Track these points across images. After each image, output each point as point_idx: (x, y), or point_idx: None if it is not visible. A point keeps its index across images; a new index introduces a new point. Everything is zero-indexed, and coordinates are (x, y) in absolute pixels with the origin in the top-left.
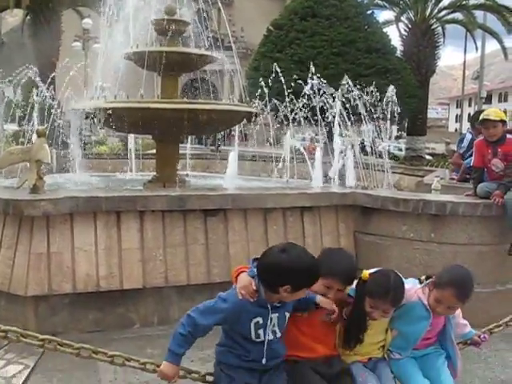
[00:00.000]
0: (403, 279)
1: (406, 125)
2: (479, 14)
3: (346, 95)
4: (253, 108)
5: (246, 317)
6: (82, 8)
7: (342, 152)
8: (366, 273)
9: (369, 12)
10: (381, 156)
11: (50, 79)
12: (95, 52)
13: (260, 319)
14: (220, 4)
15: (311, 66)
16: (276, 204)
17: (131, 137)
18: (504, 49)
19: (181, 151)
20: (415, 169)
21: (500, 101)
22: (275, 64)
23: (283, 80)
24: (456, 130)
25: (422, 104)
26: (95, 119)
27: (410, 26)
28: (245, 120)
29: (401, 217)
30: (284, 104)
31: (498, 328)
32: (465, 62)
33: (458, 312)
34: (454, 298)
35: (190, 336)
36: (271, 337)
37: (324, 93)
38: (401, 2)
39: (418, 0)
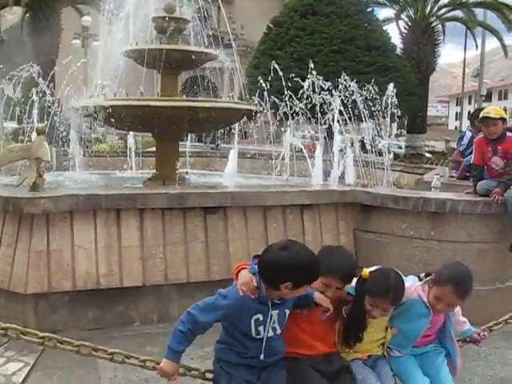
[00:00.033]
0: (403, 277)
1: (406, 123)
2: (479, 12)
3: (344, 92)
4: (252, 106)
5: (247, 313)
6: (81, 5)
7: (341, 150)
8: (366, 271)
9: (369, 10)
10: (380, 154)
11: (49, 77)
12: (95, 50)
13: (260, 316)
14: (220, 2)
15: (311, 64)
16: (276, 202)
17: (131, 135)
18: (504, 46)
19: (181, 149)
20: (415, 167)
21: (500, 99)
22: (273, 62)
23: (283, 78)
24: (456, 127)
25: (422, 102)
26: (95, 116)
27: (409, 23)
28: (245, 118)
29: (400, 214)
30: (284, 102)
31: (497, 326)
32: (465, 59)
33: (458, 309)
34: (454, 295)
35: (190, 333)
36: (271, 333)
37: (322, 89)
38: (401, 0)
39: None
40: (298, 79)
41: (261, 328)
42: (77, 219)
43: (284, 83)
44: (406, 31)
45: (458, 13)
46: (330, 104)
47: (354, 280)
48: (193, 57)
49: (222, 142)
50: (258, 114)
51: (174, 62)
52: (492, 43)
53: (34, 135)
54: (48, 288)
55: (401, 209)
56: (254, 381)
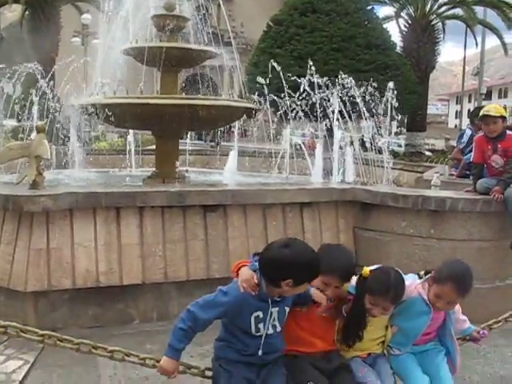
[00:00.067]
0: (403, 276)
1: (406, 121)
2: (479, 10)
3: (343, 90)
4: (252, 104)
5: (247, 310)
6: (80, 3)
7: (341, 148)
8: (366, 270)
9: (369, 7)
10: (380, 152)
11: (49, 75)
12: (94, 48)
13: (260, 313)
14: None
15: (310, 62)
16: (275, 200)
17: (130, 133)
18: (504, 44)
19: (180, 147)
20: (415, 165)
21: (500, 97)
22: (272, 61)
23: (282, 76)
24: (456, 126)
25: (422, 100)
26: (95, 114)
27: (409, 21)
28: (244, 116)
29: (400, 213)
30: (283, 99)
31: (497, 324)
32: (465, 57)
33: (458, 308)
34: (454, 292)
35: (191, 331)
36: (271, 331)
37: (320, 87)
38: None
39: None
40: (295, 77)
41: (261, 325)
42: (76, 217)
43: (284, 81)
44: (405, 29)
45: (458, 11)
46: (329, 100)
47: (354, 279)
48: (193, 55)
49: (222, 140)
50: (258, 112)
51: (174, 59)
52: (492, 41)
53: (34, 133)
54: (48, 286)
55: (400, 207)
56: (253, 378)
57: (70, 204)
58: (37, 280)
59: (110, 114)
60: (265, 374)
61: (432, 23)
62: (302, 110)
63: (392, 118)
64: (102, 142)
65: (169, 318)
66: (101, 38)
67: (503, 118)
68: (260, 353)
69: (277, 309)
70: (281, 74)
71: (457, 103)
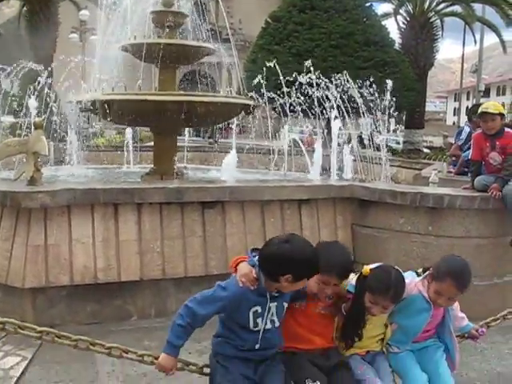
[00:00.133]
0: (403, 275)
1: (404, 118)
2: (478, 7)
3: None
4: (250, 100)
5: (246, 305)
6: None
7: (339, 145)
8: (366, 268)
9: (367, 4)
10: (378, 149)
11: (47, 72)
12: (93, 44)
13: (259, 308)
14: None
15: (309, 62)
16: (273, 196)
17: (129, 129)
18: (503, 42)
19: (179, 144)
20: (413, 162)
21: (498, 94)
22: (270, 58)
23: (280, 73)
24: (454, 123)
25: (420, 97)
26: (93, 111)
27: (408, 18)
28: (243, 112)
29: (398, 210)
30: (281, 96)
31: (495, 322)
32: (463, 55)
33: (456, 305)
34: (454, 288)
35: (189, 327)
36: (269, 326)
37: (318, 86)
38: None
39: None
40: (294, 75)
41: (259, 320)
42: (74, 213)
43: (282, 78)
44: (404, 26)
45: (457, 8)
46: (327, 97)
47: (354, 277)
48: (190, 51)
49: (220, 136)
50: (256, 109)
51: (172, 56)
52: (490, 39)
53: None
54: (46, 282)
55: (399, 204)
56: (250, 375)
57: (68, 200)
58: (35, 276)
59: (108, 110)
60: (263, 370)
61: (430, 20)
62: (300, 105)
63: (390, 115)
64: (100, 138)
65: (167, 315)
66: (99, 35)
67: (501, 115)
68: (257, 347)
69: (275, 304)
70: (279, 71)
71: (455, 100)
